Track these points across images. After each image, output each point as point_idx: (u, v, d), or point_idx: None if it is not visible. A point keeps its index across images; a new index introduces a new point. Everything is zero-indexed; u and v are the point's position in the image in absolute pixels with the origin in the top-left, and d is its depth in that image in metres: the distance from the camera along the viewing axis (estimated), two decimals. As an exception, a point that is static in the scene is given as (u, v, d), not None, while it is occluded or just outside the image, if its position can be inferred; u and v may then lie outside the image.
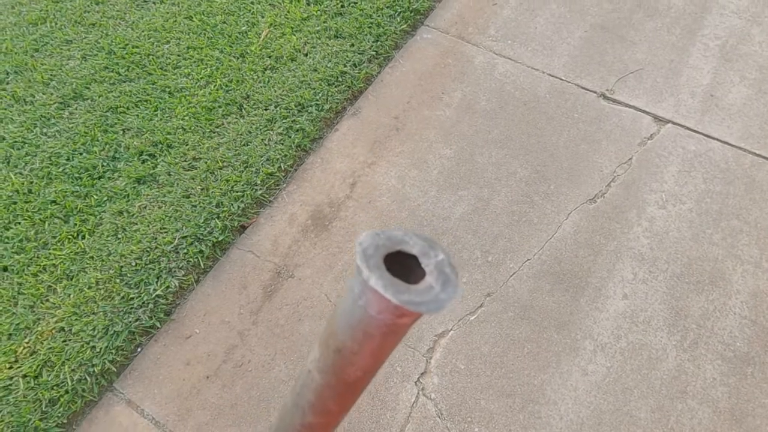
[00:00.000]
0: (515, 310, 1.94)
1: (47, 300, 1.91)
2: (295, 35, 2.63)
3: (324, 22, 2.68)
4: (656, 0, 2.86)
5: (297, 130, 2.33)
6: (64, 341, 1.83)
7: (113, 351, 1.82)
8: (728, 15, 2.78)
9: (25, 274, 1.96)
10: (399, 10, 2.73)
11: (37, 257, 2.00)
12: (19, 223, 2.08)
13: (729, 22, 2.75)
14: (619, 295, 1.97)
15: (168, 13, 2.72)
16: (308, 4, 2.76)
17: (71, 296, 1.91)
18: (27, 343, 1.82)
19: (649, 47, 2.67)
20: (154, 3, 2.78)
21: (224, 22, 2.68)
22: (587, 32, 2.74)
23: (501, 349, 1.87)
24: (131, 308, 1.90)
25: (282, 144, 2.28)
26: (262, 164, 2.23)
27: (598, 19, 2.79)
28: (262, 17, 2.70)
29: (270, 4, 2.76)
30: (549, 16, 2.81)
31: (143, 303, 1.92)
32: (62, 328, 1.85)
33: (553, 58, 2.64)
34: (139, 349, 1.89)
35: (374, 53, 2.59)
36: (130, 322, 1.88)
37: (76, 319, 1.87)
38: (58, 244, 2.03)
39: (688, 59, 2.62)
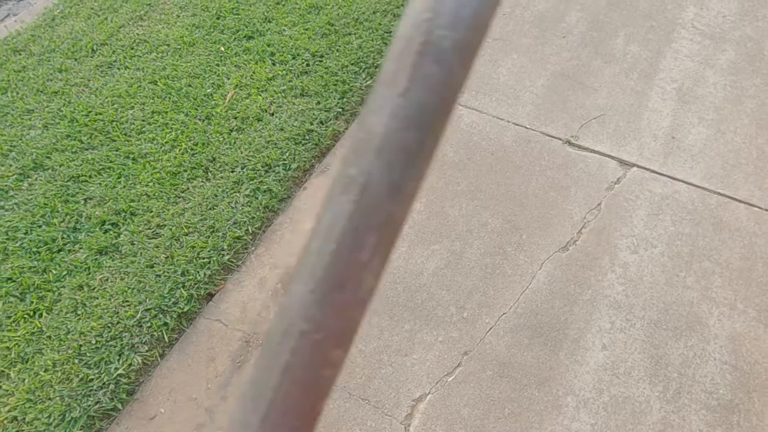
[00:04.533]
0: (494, 368, 1.88)
1: (-1, 387, 1.80)
2: (260, 95, 2.64)
3: (289, 81, 2.70)
4: (612, 47, 2.96)
5: (264, 191, 2.30)
6: (17, 432, 1.71)
7: (70, 439, 1.70)
8: (682, 59, 2.88)
9: (-24, 360, 1.85)
10: (364, 67, 2.77)
11: (-10, 340, 1.89)
12: (-28, 303, 1.98)
13: (683, 65, 2.85)
14: (598, 346, 1.93)
15: (132, 78, 2.72)
16: (273, 64, 2.79)
17: (26, 381, 1.80)
18: (-25, 437, 1.69)
19: (609, 93, 2.74)
20: (118, 69, 2.78)
21: (189, 85, 2.68)
22: (549, 80, 2.80)
23: (481, 411, 1.80)
24: (90, 390, 1.80)
25: (249, 206, 2.25)
26: (229, 228, 2.18)
27: (559, 67, 2.87)
28: (228, 79, 2.71)
29: (235, 66, 2.78)
30: (511, 66, 2.88)
31: (104, 384, 1.81)
32: (15, 418, 1.73)
33: (517, 107, 2.69)
34: (99, 435, 1.77)
35: (341, 110, 2.60)
36: (90, 405, 1.77)
37: (30, 407, 1.75)
38: (13, 324, 1.93)
39: (648, 103, 2.69)
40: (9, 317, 1.94)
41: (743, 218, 2.24)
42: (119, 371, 1.83)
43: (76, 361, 1.85)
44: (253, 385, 0.27)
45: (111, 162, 2.39)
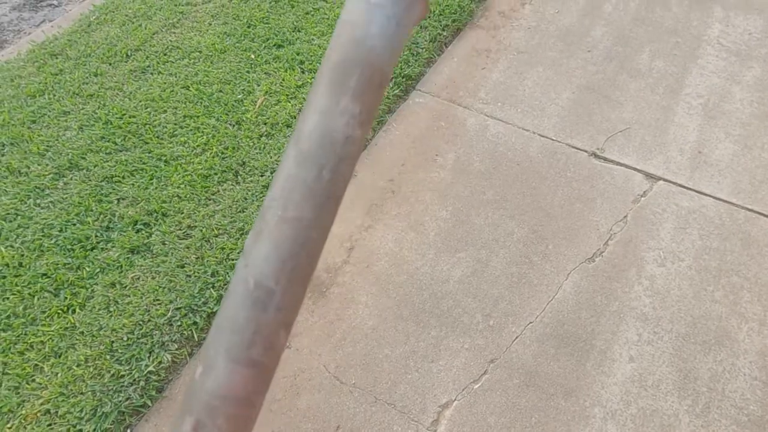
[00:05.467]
0: (520, 377, 1.88)
1: (33, 380, 1.83)
2: (290, 102, 2.69)
3: (318, 89, 2.74)
4: (638, 62, 2.97)
5: (293, 196, 2.33)
6: (50, 425, 1.73)
7: (101, 434, 1.73)
8: (708, 75, 2.88)
9: (11, 353, 1.89)
10: (391, 76, 2.81)
11: (25, 334, 1.93)
12: (8, 298, 2.02)
13: (709, 81, 2.85)
14: (625, 357, 1.92)
15: (165, 83, 2.78)
16: (303, 72, 2.84)
17: (59, 375, 1.83)
18: (9, 428, 1.72)
19: (634, 107, 2.75)
20: (152, 74, 2.85)
21: (221, 91, 2.74)
22: (574, 93, 2.82)
23: (508, 419, 1.80)
24: (121, 386, 1.82)
25: (278, 210, 2.28)
26: (258, 231, 2.21)
27: (584, 80, 2.89)
28: (258, 86, 2.76)
29: (265, 73, 2.84)
30: (537, 78, 2.91)
31: (134, 380, 1.84)
32: (48, 411, 1.76)
33: (542, 118, 2.71)
34: (128, 431, 1.79)
35: (368, 118, 2.64)
36: (120, 401, 1.79)
37: (63, 400, 1.78)
38: (47, 319, 1.97)
39: (674, 117, 2.69)
40: (43, 312, 1.98)
41: (772, 234, 2.23)
42: (149, 368, 1.86)
43: (108, 357, 1.88)
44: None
45: (144, 164, 2.44)
